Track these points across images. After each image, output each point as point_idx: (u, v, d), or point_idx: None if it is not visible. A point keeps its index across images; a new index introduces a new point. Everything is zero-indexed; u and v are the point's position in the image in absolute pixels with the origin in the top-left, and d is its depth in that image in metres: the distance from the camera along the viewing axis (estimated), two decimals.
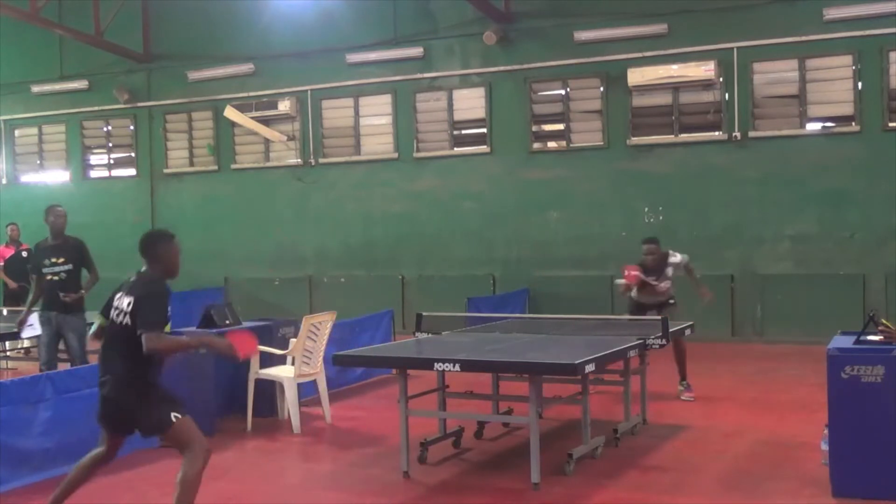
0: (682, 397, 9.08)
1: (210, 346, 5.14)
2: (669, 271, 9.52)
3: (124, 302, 4.93)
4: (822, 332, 8.09)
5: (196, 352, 6.28)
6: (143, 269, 5.12)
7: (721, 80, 13.52)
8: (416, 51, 15.37)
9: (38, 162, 18.87)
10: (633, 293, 9.66)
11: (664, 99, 13.97)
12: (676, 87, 13.77)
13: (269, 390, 8.55)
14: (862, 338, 5.98)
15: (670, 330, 7.32)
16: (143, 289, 4.94)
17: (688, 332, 8.03)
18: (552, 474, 6.33)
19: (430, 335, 7.73)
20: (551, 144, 15.19)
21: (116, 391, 4.92)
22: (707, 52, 13.51)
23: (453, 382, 7.35)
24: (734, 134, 13.53)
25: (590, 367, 6.04)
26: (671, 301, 9.54)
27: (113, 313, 5.00)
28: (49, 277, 9.03)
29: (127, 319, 4.88)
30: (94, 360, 6.59)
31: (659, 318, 7.81)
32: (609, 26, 14.08)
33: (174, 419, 4.84)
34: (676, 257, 9.59)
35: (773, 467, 6.53)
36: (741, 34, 13.42)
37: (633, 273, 9.32)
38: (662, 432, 7.66)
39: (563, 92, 14.72)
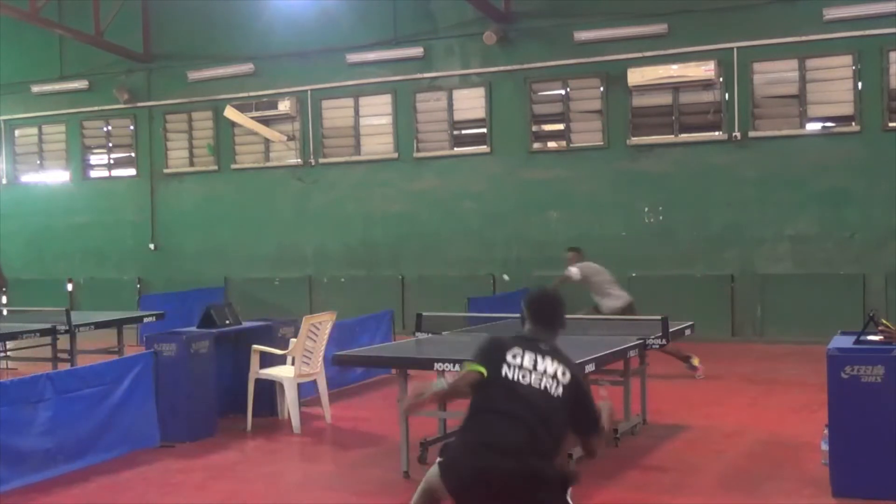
0: (696, 376, 10.03)
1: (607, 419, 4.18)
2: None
3: (553, 368, 3.96)
4: (822, 332, 8.10)
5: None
6: (536, 332, 4.18)
7: (721, 80, 13.52)
8: (416, 51, 15.37)
9: (38, 162, 18.87)
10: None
11: (664, 99, 13.97)
12: (676, 87, 13.77)
13: (269, 390, 8.55)
14: (862, 338, 5.98)
15: (671, 331, 7.31)
16: (580, 375, 4.15)
17: (688, 332, 8.03)
18: None
19: (430, 335, 7.73)
20: (551, 144, 15.19)
21: (533, 462, 3.75)
22: (707, 52, 13.51)
23: None
24: (734, 134, 13.53)
25: (590, 367, 6.04)
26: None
27: (518, 373, 3.92)
28: None
29: (561, 391, 3.91)
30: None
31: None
32: (609, 26, 14.08)
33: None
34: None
35: (773, 467, 6.53)
36: (741, 34, 13.42)
37: None
38: (662, 432, 7.66)
39: (563, 92, 14.72)
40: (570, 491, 3.90)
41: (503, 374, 3.92)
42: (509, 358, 3.96)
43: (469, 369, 4.00)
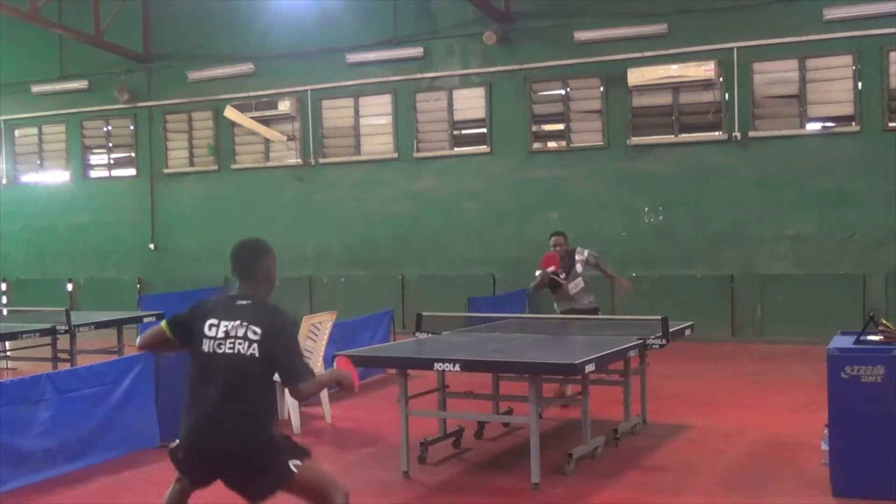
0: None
1: (339, 383, 4.43)
2: (579, 268, 9.15)
3: (242, 331, 4.08)
4: (822, 332, 8.09)
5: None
6: (240, 289, 4.32)
7: (721, 80, 13.52)
8: (416, 51, 15.37)
9: (38, 162, 18.87)
10: (555, 304, 9.33)
11: (664, 99, 13.97)
12: (676, 87, 13.77)
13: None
14: (862, 338, 5.98)
15: (671, 331, 7.31)
16: (276, 319, 4.17)
17: (688, 332, 8.03)
18: (552, 474, 6.33)
19: (430, 335, 7.73)
20: (551, 144, 15.19)
21: (234, 440, 4.01)
22: (707, 52, 13.51)
23: (453, 382, 7.35)
24: (734, 134, 13.53)
25: (590, 367, 6.05)
26: (597, 310, 9.27)
27: (212, 343, 4.10)
28: None
29: (254, 350, 4.05)
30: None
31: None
32: (609, 26, 14.08)
33: (294, 469, 4.07)
34: (583, 253, 9.21)
35: (773, 467, 6.53)
36: (741, 34, 13.42)
37: (550, 257, 8.99)
38: (662, 432, 7.66)
39: (563, 92, 14.72)
40: (291, 459, 4.08)
41: (202, 348, 4.09)
42: (206, 330, 4.11)
43: (161, 326, 4.28)
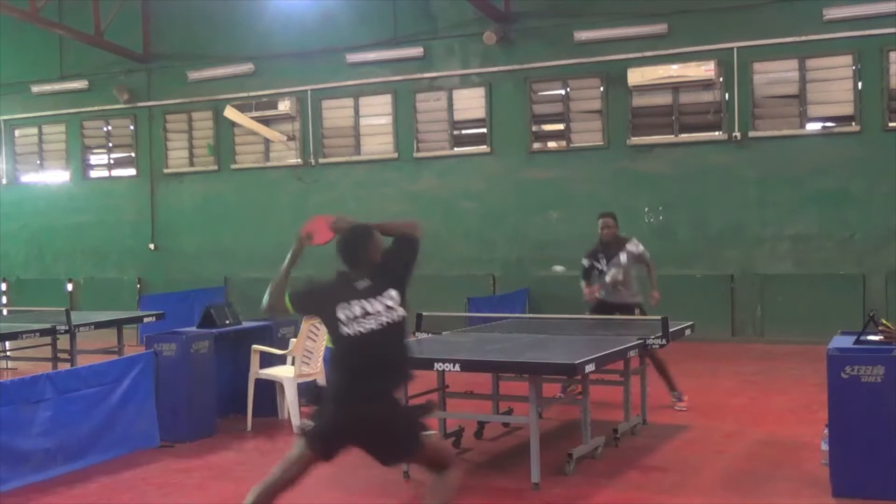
0: (676, 407, 8.50)
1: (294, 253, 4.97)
2: (623, 258, 8.85)
3: (377, 304, 4.37)
4: (822, 332, 8.10)
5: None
6: (351, 272, 4.59)
7: (721, 80, 13.52)
8: (416, 51, 15.37)
9: (38, 162, 18.87)
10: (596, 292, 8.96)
11: (664, 99, 13.97)
12: (676, 87, 13.77)
13: (269, 390, 8.55)
14: (862, 338, 5.98)
15: (671, 331, 7.30)
16: (394, 265, 4.55)
17: (688, 332, 8.03)
18: (552, 474, 6.33)
19: (430, 335, 7.73)
20: (551, 144, 15.19)
21: (390, 412, 4.29)
22: (707, 52, 13.51)
23: (453, 382, 7.35)
24: (734, 134, 13.53)
25: (590, 367, 6.05)
26: (637, 306, 8.95)
27: (356, 324, 4.33)
28: None
29: (398, 312, 4.38)
30: None
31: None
32: (609, 26, 14.08)
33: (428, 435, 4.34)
34: (638, 247, 8.94)
35: (773, 467, 6.53)
36: (741, 34, 13.42)
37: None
38: (662, 432, 7.66)
39: (563, 92, 14.72)
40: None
41: (343, 333, 4.32)
42: (341, 315, 4.36)
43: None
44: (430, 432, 4.33)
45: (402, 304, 4.39)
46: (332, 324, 4.38)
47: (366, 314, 4.31)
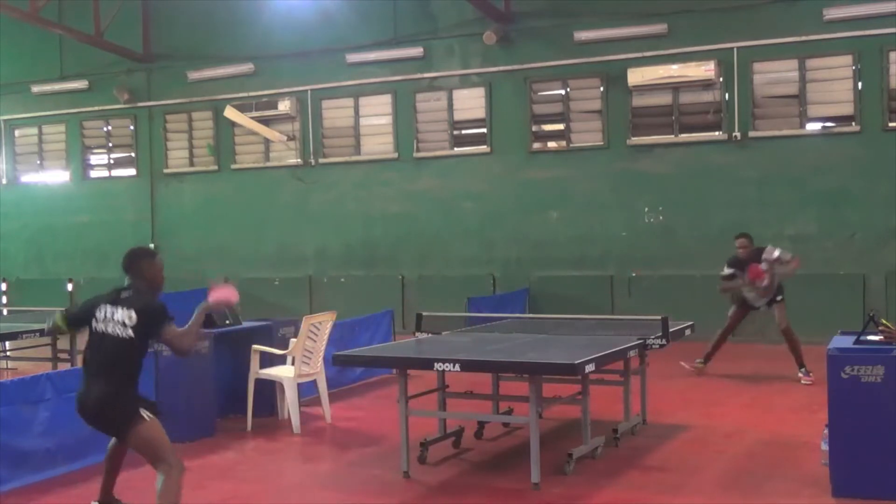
0: (802, 382, 9.81)
1: (205, 310, 5.63)
2: (763, 266, 10.01)
3: (120, 315, 5.13)
4: (822, 332, 8.09)
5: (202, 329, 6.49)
6: (127, 284, 5.32)
7: (721, 80, 13.52)
8: (416, 51, 15.37)
9: (38, 162, 18.88)
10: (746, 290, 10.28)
11: (664, 99, 13.97)
12: (676, 87, 13.77)
13: (269, 390, 8.55)
14: (862, 338, 5.98)
15: (671, 331, 7.30)
16: (144, 302, 5.20)
17: (688, 332, 8.03)
18: (552, 474, 6.33)
19: (430, 335, 7.73)
20: (551, 144, 15.19)
21: (104, 404, 5.14)
22: (707, 52, 13.51)
23: (453, 382, 7.35)
24: (734, 134, 13.53)
25: (590, 367, 6.04)
26: (778, 298, 10.21)
27: (100, 325, 5.16)
28: None
29: (129, 333, 5.11)
30: None
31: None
32: (609, 26, 14.08)
33: (146, 417, 5.13)
34: (774, 253, 10.03)
35: (773, 467, 6.53)
36: (741, 34, 13.42)
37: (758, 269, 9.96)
38: (662, 432, 7.66)
39: (563, 92, 14.72)
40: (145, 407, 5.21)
41: (92, 328, 5.20)
42: (97, 314, 5.19)
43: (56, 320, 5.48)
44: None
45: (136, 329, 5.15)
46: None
47: (111, 317, 5.16)
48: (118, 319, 5.11)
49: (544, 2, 14.67)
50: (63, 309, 5.60)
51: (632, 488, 6.20)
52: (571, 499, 5.95)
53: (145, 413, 5.16)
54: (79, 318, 5.37)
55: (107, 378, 5.11)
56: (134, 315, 5.11)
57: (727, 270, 10.40)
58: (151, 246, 5.68)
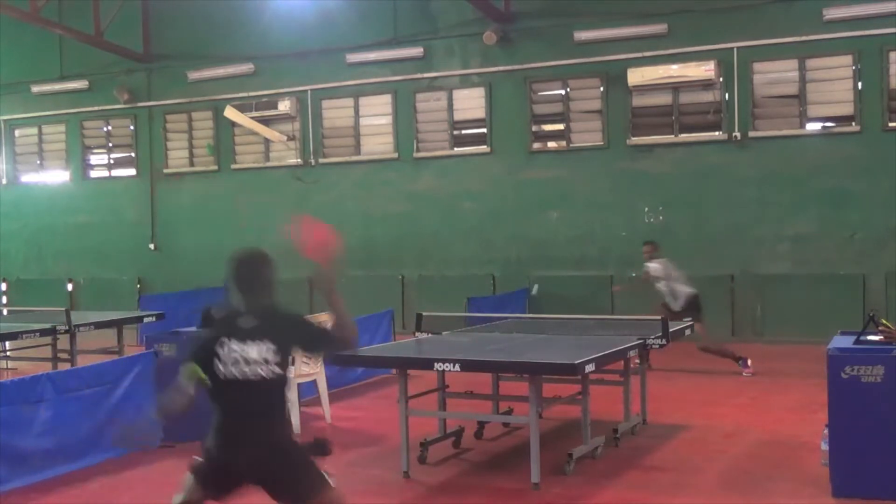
0: (743, 374, 10.29)
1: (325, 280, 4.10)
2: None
3: (255, 352, 3.89)
4: (822, 332, 8.09)
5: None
6: (243, 306, 4.05)
7: (721, 80, 13.52)
8: (416, 51, 15.37)
9: (38, 162, 18.87)
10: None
11: (664, 99, 13.97)
12: (676, 87, 13.76)
13: None
14: (862, 338, 5.98)
15: (671, 331, 7.31)
16: (286, 326, 4.04)
17: (688, 332, 8.03)
18: (552, 474, 6.33)
19: (430, 335, 7.73)
20: (551, 144, 15.19)
21: (268, 457, 3.90)
22: (707, 52, 13.50)
23: (453, 382, 7.35)
24: (734, 134, 13.53)
25: (590, 367, 6.05)
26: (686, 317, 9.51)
27: (229, 369, 3.90)
28: None
29: (275, 370, 3.90)
30: None
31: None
32: (609, 26, 14.08)
33: (331, 482, 3.98)
34: (657, 263, 10.65)
35: (773, 467, 6.53)
36: (741, 34, 13.42)
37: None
38: (662, 432, 7.66)
39: (563, 92, 14.72)
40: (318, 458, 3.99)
41: (218, 373, 3.90)
42: (220, 354, 3.90)
43: (186, 372, 3.95)
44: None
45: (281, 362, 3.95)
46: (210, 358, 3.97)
47: (243, 358, 3.91)
48: (255, 358, 3.87)
49: (544, 2, 14.67)
50: (188, 360, 4.00)
51: (632, 488, 6.20)
52: (571, 499, 5.95)
53: (329, 478, 3.99)
54: (204, 363, 3.94)
55: (260, 433, 3.91)
56: (272, 346, 3.90)
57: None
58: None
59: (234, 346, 3.91)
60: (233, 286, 4.11)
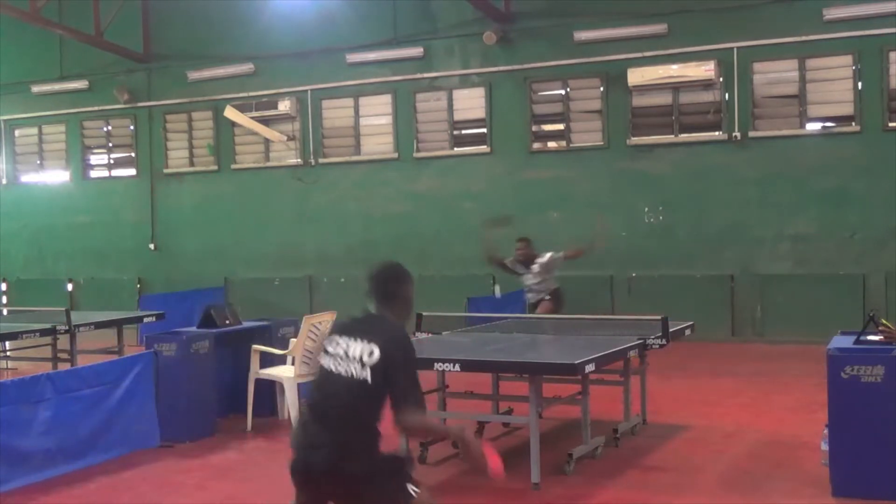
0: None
1: (466, 449, 3.87)
2: (535, 268, 10.90)
3: (358, 349, 3.84)
4: (822, 332, 8.09)
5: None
6: (373, 309, 4.11)
7: (721, 80, 13.52)
8: (416, 51, 15.37)
9: (38, 162, 18.87)
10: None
11: (664, 99, 13.97)
12: (676, 87, 13.76)
13: (269, 390, 8.55)
14: (862, 338, 5.98)
15: (671, 331, 7.31)
16: (397, 343, 3.88)
17: (688, 332, 8.03)
18: (552, 474, 6.33)
19: (430, 335, 7.73)
20: (551, 144, 15.19)
21: (341, 460, 3.71)
22: (707, 52, 13.50)
23: (453, 382, 7.35)
24: (734, 134, 13.53)
25: (590, 367, 6.05)
26: (546, 297, 10.86)
27: (329, 360, 3.90)
28: None
29: (366, 374, 3.77)
30: None
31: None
32: (609, 26, 14.08)
33: (413, 493, 3.80)
34: (544, 257, 10.87)
35: (773, 467, 6.53)
36: (741, 34, 13.42)
37: None
38: (662, 432, 7.66)
39: (563, 92, 14.72)
40: (409, 477, 3.83)
41: (323, 364, 3.93)
42: (329, 347, 3.95)
43: None
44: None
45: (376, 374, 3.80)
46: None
47: (346, 354, 3.88)
48: (354, 355, 3.82)
49: (544, 2, 14.67)
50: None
51: (632, 488, 6.20)
52: (571, 499, 5.95)
53: (413, 488, 3.80)
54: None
55: (337, 430, 3.75)
56: (377, 351, 3.80)
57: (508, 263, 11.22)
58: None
59: (342, 340, 3.92)
60: (367, 292, 4.18)
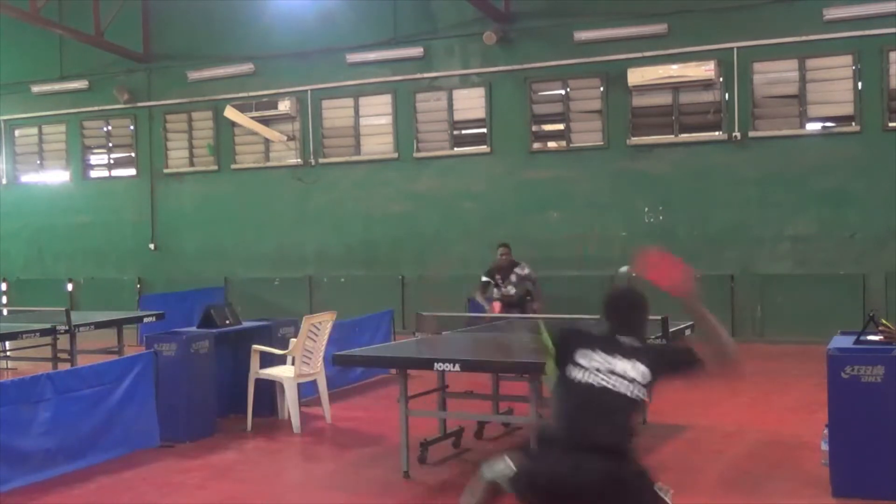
0: None
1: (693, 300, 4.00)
2: (513, 278, 11.28)
3: (628, 368, 3.84)
4: (822, 332, 8.09)
5: None
6: (623, 330, 4.02)
7: (721, 80, 13.52)
8: (416, 51, 15.37)
9: (38, 162, 18.87)
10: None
11: (664, 99, 13.97)
12: (676, 87, 13.76)
13: (269, 390, 8.55)
14: (862, 338, 5.98)
15: (671, 331, 7.29)
16: (653, 355, 4.01)
17: (688, 332, 8.02)
18: None
19: (430, 335, 7.73)
20: (551, 144, 15.19)
21: (619, 470, 3.72)
22: (707, 52, 13.51)
23: (453, 382, 7.35)
24: (734, 134, 13.53)
25: None
26: (528, 299, 11.31)
27: (589, 375, 3.82)
28: None
29: (641, 393, 3.85)
30: None
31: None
32: (609, 26, 14.08)
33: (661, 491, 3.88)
34: (524, 270, 11.31)
35: (773, 467, 6.53)
36: (741, 34, 13.42)
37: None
38: (662, 432, 7.65)
39: (563, 92, 14.72)
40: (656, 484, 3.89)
41: (572, 376, 3.84)
42: (581, 359, 3.86)
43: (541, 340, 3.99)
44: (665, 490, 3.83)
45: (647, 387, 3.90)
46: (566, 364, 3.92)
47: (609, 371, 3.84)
48: (625, 374, 3.81)
49: (544, 2, 14.67)
50: (545, 325, 4.09)
51: None
52: None
53: (663, 490, 3.88)
54: (560, 350, 3.96)
55: (609, 448, 3.71)
56: (648, 373, 3.86)
57: (484, 278, 11.48)
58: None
59: (599, 356, 3.86)
60: (608, 317, 4.09)
